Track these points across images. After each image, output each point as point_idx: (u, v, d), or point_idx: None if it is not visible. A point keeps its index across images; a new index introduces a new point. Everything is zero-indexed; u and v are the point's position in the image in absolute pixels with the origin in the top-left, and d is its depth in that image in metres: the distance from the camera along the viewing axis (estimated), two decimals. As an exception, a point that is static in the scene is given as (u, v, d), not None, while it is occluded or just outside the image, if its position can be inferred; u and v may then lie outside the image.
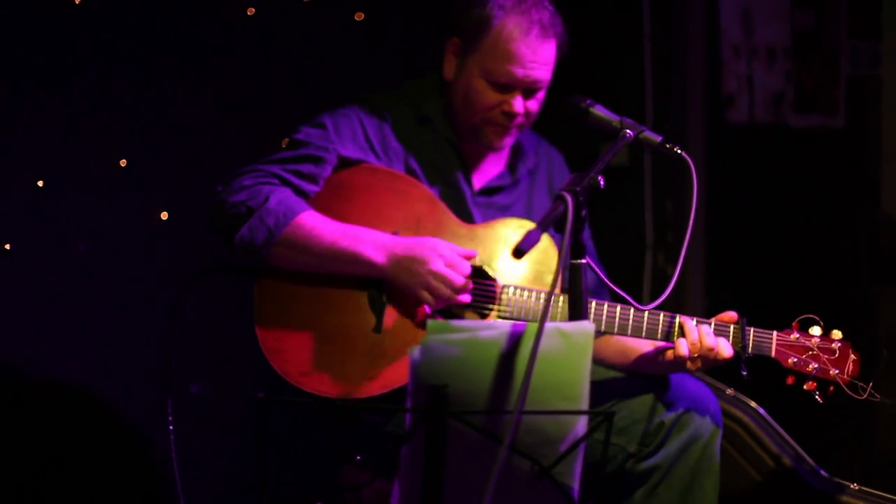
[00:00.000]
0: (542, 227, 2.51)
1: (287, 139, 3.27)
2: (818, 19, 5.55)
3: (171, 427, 3.35)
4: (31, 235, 3.87)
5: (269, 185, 3.16)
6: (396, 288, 3.14)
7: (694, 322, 3.08)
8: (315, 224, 3.13)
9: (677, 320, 3.09)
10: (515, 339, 2.39)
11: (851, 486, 3.60)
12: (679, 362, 3.08)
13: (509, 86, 3.25)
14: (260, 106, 4.20)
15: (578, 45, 3.44)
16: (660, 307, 3.09)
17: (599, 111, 3.18)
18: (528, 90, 3.27)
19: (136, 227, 4.03)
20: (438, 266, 3.10)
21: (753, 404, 3.68)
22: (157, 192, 4.06)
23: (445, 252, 3.13)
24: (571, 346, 2.40)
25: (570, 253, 2.73)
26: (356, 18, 4.37)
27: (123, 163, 4.01)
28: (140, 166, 4.01)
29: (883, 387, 3.15)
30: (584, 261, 2.72)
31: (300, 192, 3.19)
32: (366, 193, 3.24)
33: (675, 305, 5.10)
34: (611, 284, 3.07)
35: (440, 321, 2.43)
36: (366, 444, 3.22)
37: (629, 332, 3.11)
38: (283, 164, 3.19)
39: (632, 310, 3.10)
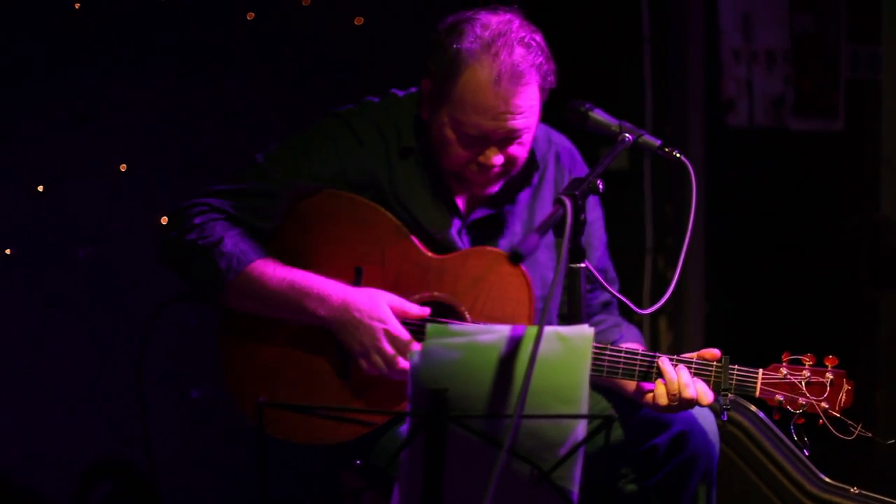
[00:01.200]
0: (541, 232, 2.49)
1: (249, 160, 3.10)
2: (818, 23, 5.56)
3: (147, 437, 3.30)
4: (32, 240, 3.87)
5: (221, 222, 3.04)
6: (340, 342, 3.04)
7: (672, 364, 2.94)
8: (264, 272, 3.01)
9: (656, 364, 2.95)
10: (515, 342, 2.39)
11: (852, 490, 3.60)
12: (657, 407, 2.96)
13: (480, 139, 3.00)
14: (260, 110, 4.20)
15: (578, 48, 3.42)
16: (659, 311, 3.08)
17: (598, 115, 3.15)
18: (504, 141, 3.01)
19: (137, 232, 4.03)
20: (380, 343, 2.97)
21: (753, 408, 3.68)
22: (157, 196, 4.06)
23: (391, 327, 2.98)
24: (570, 350, 2.40)
25: (569, 257, 2.72)
26: (356, 23, 4.38)
27: (124, 167, 4.01)
28: (140, 171, 4.02)
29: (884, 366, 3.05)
30: (582, 265, 2.72)
31: (253, 230, 3.07)
32: (329, 223, 3.08)
33: (674, 309, 5.14)
34: (610, 289, 3.06)
35: (440, 325, 2.43)
36: (366, 449, 3.21)
37: (604, 373, 2.97)
38: (234, 200, 3.05)
39: (607, 348, 2.97)
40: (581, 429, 2.43)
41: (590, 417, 2.42)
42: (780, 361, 3.00)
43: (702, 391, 2.92)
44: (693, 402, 2.93)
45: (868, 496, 3.58)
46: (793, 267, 5.50)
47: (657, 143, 3.03)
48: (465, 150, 3.03)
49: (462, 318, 3.07)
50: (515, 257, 2.42)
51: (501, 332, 2.41)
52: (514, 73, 2.96)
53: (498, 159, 3.03)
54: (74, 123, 3.92)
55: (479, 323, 3.04)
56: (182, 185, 4.06)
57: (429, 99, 3.08)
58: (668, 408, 2.94)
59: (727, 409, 2.96)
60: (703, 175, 5.18)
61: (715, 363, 2.96)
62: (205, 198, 3.07)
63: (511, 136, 3.01)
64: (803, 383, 2.99)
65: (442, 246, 3.12)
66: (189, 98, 4.09)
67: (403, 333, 2.99)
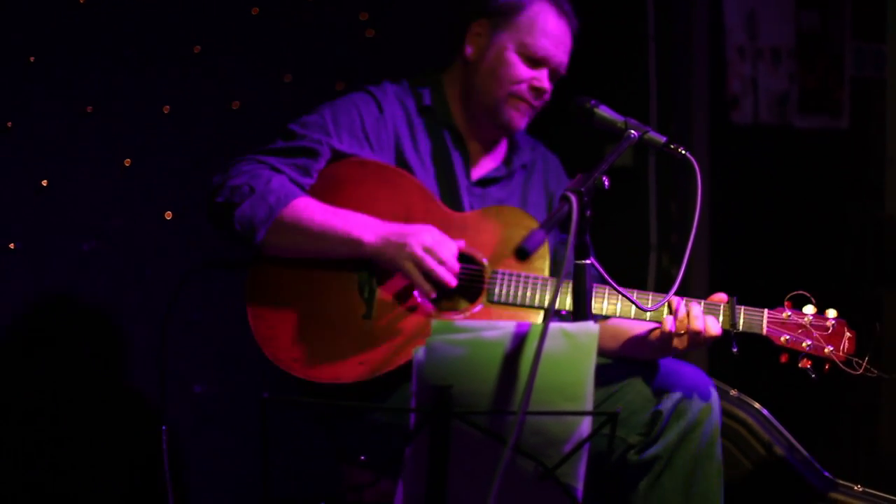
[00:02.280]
0: (547, 228, 2.50)
1: (285, 128, 3.32)
2: (823, 21, 5.55)
3: (163, 427, 3.35)
4: (36, 235, 3.87)
5: (267, 170, 3.22)
6: (383, 265, 3.18)
7: (683, 301, 3.09)
8: (309, 205, 3.19)
9: (666, 301, 3.09)
10: (519, 339, 2.39)
11: (855, 488, 3.60)
12: (666, 340, 3.09)
13: (543, 60, 3.38)
14: (264, 105, 4.20)
15: (583, 45, 3.46)
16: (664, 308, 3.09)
17: (604, 112, 3.19)
18: (552, 72, 3.41)
19: (141, 227, 4.03)
20: (425, 239, 3.15)
21: (757, 405, 3.68)
22: (161, 191, 4.06)
23: (434, 231, 3.18)
24: (575, 347, 2.40)
25: (575, 253, 2.73)
26: (361, 19, 4.38)
27: (128, 162, 4.01)
28: (144, 166, 4.02)
29: (884, 362, 3.13)
30: (588, 261, 2.72)
31: (294, 183, 3.24)
32: (356, 185, 3.28)
33: (679, 306, 5.11)
34: (614, 285, 3.06)
35: (444, 321, 2.43)
36: (369, 444, 3.22)
37: (618, 312, 3.14)
38: (278, 156, 3.25)
39: (619, 290, 3.08)
40: (585, 425, 2.43)
41: (594, 414, 2.43)
42: (782, 307, 3.10)
43: (710, 322, 3.06)
44: (701, 335, 3.05)
45: (872, 494, 3.58)
46: (797, 264, 5.50)
47: (662, 139, 3.05)
48: (526, 71, 3.38)
49: (482, 267, 3.23)
50: (521, 253, 2.43)
51: (506, 328, 2.41)
52: (569, 17, 3.43)
53: (548, 84, 3.41)
54: (78, 118, 3.92)
55: (498, 270, 3.20)
56: (186, 181, 4.06)
57: (481, 35, 3.43)
58: (675, 338, 3.06)
59: (736, 337, 3.06)
60: (707, 172, 5.18)
61: (723, 304, 3.10)
62: (251, 153, 3.27)
63: (558, 69, 3.42)
64: (809, 324, 3.08)
65: (451, 195, 3.37)
66: (193, 93, 4.10)
67: (450, 241, 3.17)
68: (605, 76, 3.44)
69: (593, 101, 3.22)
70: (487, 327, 2.42)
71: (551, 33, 3.40)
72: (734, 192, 5.37)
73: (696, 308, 3.07)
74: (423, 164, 3.39)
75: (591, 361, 2.41)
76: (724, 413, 3.46)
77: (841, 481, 3.62)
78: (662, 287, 5.01)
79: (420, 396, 2.37)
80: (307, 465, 4.24)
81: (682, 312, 3.07)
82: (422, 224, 3.20)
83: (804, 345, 3.07)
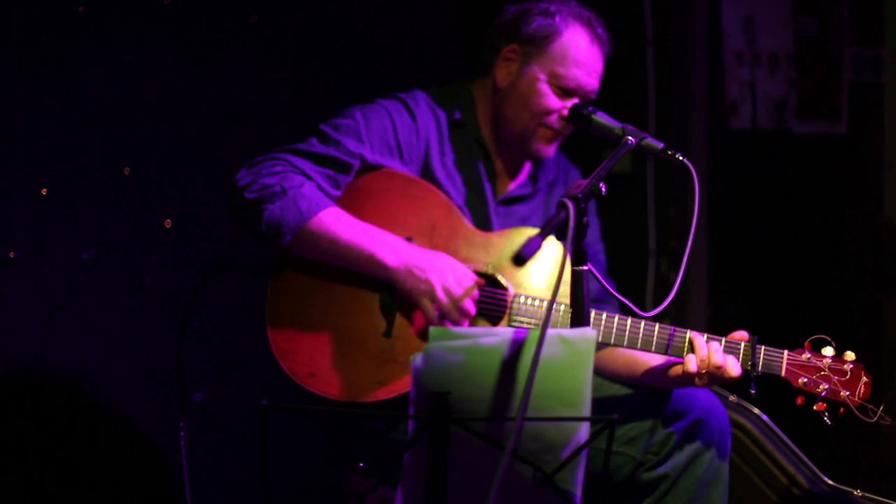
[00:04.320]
0: (544, 234, 2.50)
1: (317, 129, 3.26)
2: (821, 26, 5.56)
3: (182, 434, 3.35)
4: (36, 243, 3.87)
5: (299, 175, 3.16)
6: (401, 292, 3.14)
7: (704, 338, 3.07)
8: (339, 217, 3.14)
9: (687, 335, 3.09)
10: (517, 345, 2.40)
11: (855, 493, 3.60)
12: (686, 378, 3.07)
13: (574, 91, 3.32)
14: (263, 113, 4.20)
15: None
16: (662, 314, 3.08)
17: (601, 118, 3.20)
18: (583, 99, 3.34)
19: (141, 235, 4.03)
20: (447, 278, 3.11)
21: (756, 411, 3.68)
22: (161, 199, 4.06)
23: (456, 267, 3.13)
24: (573, 353, 2.41)
25: (572, 260, 2.73)
26: (359, 26, 4.38)
27: (127, 171, 4.01)
28: (144, 174, 4.02)
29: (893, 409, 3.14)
30: (585, 267, 2.72)
31: (324, 193, 3.19)
32: (382, 197, 3.24)
33: (677, 312, 5.13)
34: (613, 291, 3.07)
35: (442, 328, 2.43)
36: (369, 450, 3.22)
37: (639, 345, 3.11)
38: (312, 162, 3.19)
39: (643, 323, 3.09)
40: (583, 431, 2.43)
41: (592, 420, 2.43)
42: (802, 348, 3.10)
43: (730, 362, 3.04)
44: (721, 372, 3.04)
45: (871, 499, 3.58)
46: (796, 269, 5.50)
47: (660, 145, 3.06)
48: (557, 101, 3.32)
49: (504, 290, 3.20)
50: (519, 259, 2.43)
51: (504, 334, 2.41)
52: (601, 42, 3.37)
53: None
54: (78, 126, 3.92)
55: (520, 294, 3.18)
56: (186, 188, 4.07)
57: (513, 61, 3.36)
58: (696, 378, 3.05)
59: (755, 378, 3.06)
60: (705, 178, 5.18)
61: (743, 343, 3.09)
62: (284, 153, 3.20)
63: (588, 96, 3.35)
64: (827, 367, 3.08)
65: (479, 212, 3.34)
66: (193, 101, 4.10)
67: (469, 275, 3.13)
68: (603, 81, 3.42)
69: (590, 108, 3.24)
70: (485, 334, 2.43)
71: (584, 63, 3.33)
72: (733, 197, 5.37)
73: (717, 348, 3.05)
74: (451, 178, 3.34)
75: (588, 367, 2.41)
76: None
77: (841, 486, 3.62)
78: (661, 293, 5.02)
79: (418, 403, 2.38)
80: (308, 472, 4.25)
81: (703, 352, 3.05)
82: (447, 256, 3.16)
83: (821, 388, 3.08)
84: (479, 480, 2.37)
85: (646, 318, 3.11)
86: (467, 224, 3.26)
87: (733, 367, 3.04)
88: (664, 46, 5.17)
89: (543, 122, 3.32)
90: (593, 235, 3.51)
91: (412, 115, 3.32)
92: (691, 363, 3.04)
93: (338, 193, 3.21)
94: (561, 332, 2.41)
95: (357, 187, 3.24)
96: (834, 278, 5.53)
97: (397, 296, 3.17)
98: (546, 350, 2.36)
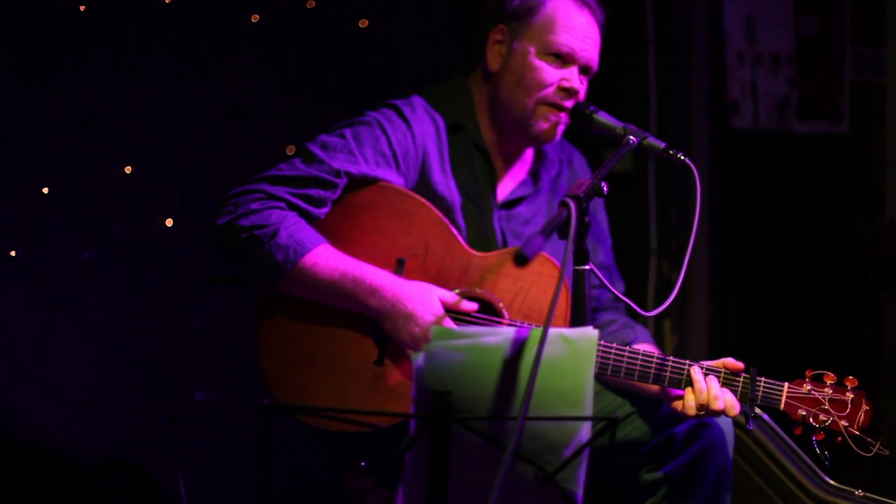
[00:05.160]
0: (546, 234, 2.50)
1: (302, 148, 3.16)
2: (822, 26, 5.56)
3: (175, 436, 3.34)
4: (36, 242, 3.87)
5: (277, 209, 3.04)
6: (385, 331, 3.07)
7: (702, 373, 3.02)
8: (317, 262, 3.03)
9: (685, 371, 3.03)
10: (519, 344, 2.40)
11: (856, 493, 3.60)
12: (683, 414, 3.05)
13: (569, 56, 3.21)
14: (264, 112, 4.20)
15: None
16: (663, 313, 3.08)
17: (603, 117, 3.19)
18: (583, 68, 3.24)
19: (142, 235, 4.03)
20: (430, 334, 2.96)
21: (758, 410, 3.67)
22: (162, 199, 4.06)
23: (439, 314, 3.04)
24: (575, 352, 2.40)
25: (573, 259, 2.73)
26: (360, 25, 4.38)
27: (128, 170, 4.01)
28: (145, 173, 4.02)
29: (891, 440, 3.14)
30: (586, 267, 2.72)
31: (307, 216, 3.08)
32: (372, 214, 3.13)
33: (679, 312, 5.13)
34: (615, 291, 3.06)
35: (444, 327, 2.43)
36: (370, 450, 3.22)
37: (636, 377, 3.05)
38: (291, 187, 3.07)
39: (640, 355, 3.04)
40: (585, 431, 2.43)
41: (594, 419, 2.43)
42: (801, 376, 3.08)
43: (729, 402, 3.01)
44: (720, 414, 3.01)
45: (873, 498, 3.57)
46: (797, 269, 5.50)
47: (662, 145, 3.06)
48: (552, 73, 3.21)
49: (500, 316, 3.11)
50: (520, 259, 2.42)
51: (506, 334, 2.41)
52: (591, 9, 3.26)
53: (577, 83, 3.23)
54: (79, 125, 3.92)
55: (516, 320, 3.09)
56: (187, 188, 4.07)
57: (502, 42, 3.27)
58: (694, 416, 3.02)
59: (754, 418, 3.06)
60: (707, 177, 5.18)
61: (743, 375, 3.04)
62: (260, 183, 3.08)
63: (587, 65, 3.24)
64: (826, 400, 3.06)
65: (480, 220, 3.24)
66: (194, 100, 4.10)
67: (453, 327, 3.01)
68: (605, 80, 3.41)
69: (592, 107, 3.22)
70: (487, 333, 2.42)
71: (572, 26, 3.21)
72: (734, 197, 5.37)
73: (716, 387, 3.00)
74: (449, 185, 3.23)
75: (590, 367, 2.41)
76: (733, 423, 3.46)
77: (842, 486, 3.62)
78: (662, 292, 5.02)
79: (420, 402, 2.37)
80: (309, 471, 4.24)
81: (702, 394, 2.99)
82: (431, 299, 3.03)
83: (820, 419, 3.06)
84: (481, 480, 2.37)
85: (647, 317, 3.10)
86: (462, 244, 3.15)
87: (732, 408, 3.00)
88: (665, 46, 5.18)
89: (542, 98, 3.21)
90: (603, 233, 3.46)
91: (407, 122, 3.21)
92: (689, 404, 3.01)
93: (323, 211, 3.10)
94: (563, 331, 2.41)
95: (348, 203, 3.13)
96: (835, 278, 5.52)
97: None
98: (548, 349, 2.36)
